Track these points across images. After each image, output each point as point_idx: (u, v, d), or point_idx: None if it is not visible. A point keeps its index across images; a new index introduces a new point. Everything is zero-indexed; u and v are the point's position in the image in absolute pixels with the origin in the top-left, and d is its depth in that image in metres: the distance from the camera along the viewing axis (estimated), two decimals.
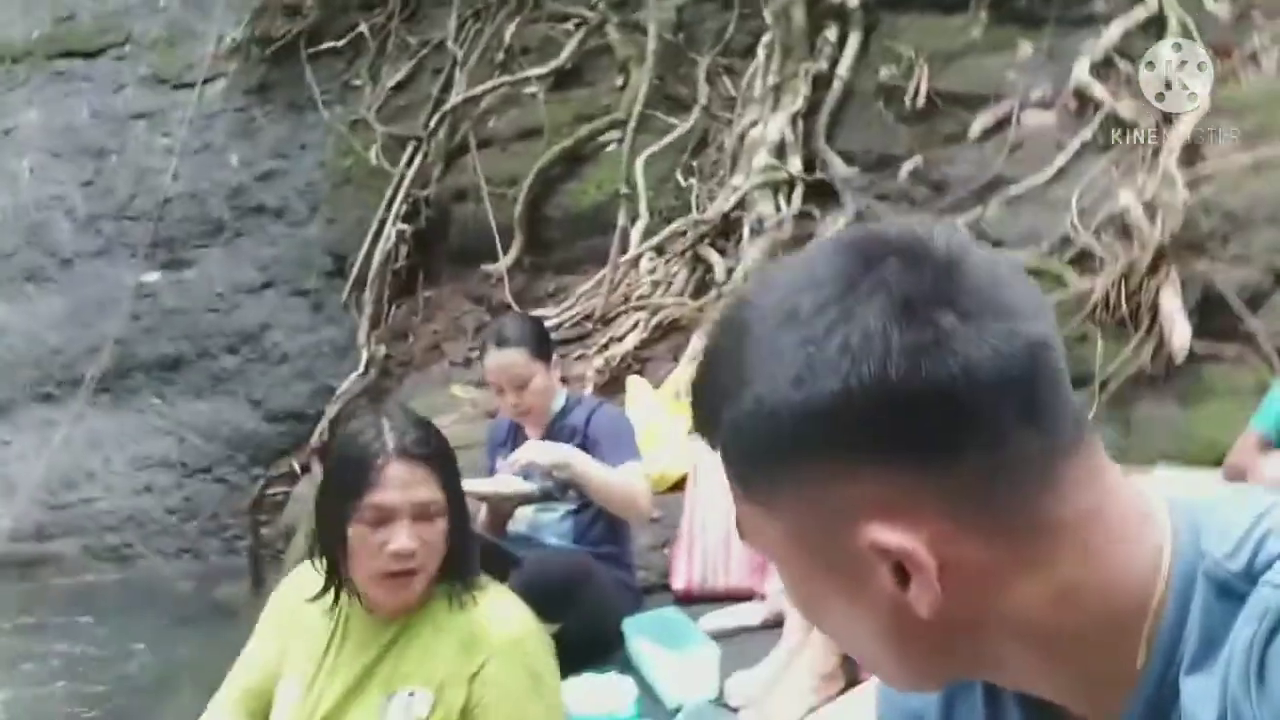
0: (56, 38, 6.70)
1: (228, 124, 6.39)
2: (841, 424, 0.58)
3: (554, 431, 2.89)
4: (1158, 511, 0.62)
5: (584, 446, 2.85)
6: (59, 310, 6.14)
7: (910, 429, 0.57)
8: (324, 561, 1.67)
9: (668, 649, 2.74)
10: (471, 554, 1.72)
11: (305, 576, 1.74)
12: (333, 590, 1.67)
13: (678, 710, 2.49)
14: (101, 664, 4.57)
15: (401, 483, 1.61)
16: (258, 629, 1.80)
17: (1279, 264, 3.45)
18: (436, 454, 1.67)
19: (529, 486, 2.89)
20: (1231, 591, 0.57)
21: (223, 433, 5.83)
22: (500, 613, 1.69)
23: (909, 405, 0.57)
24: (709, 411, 0.64)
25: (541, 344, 2.98)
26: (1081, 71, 4.14)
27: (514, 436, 3.05)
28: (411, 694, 1.62)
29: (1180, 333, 3.28)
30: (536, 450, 2.79)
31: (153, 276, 6.17)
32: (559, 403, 2.98)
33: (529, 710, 1.65)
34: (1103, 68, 4.16)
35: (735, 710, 2.54)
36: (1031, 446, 0.59)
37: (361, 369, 5.41)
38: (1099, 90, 4.08)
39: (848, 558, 0.60)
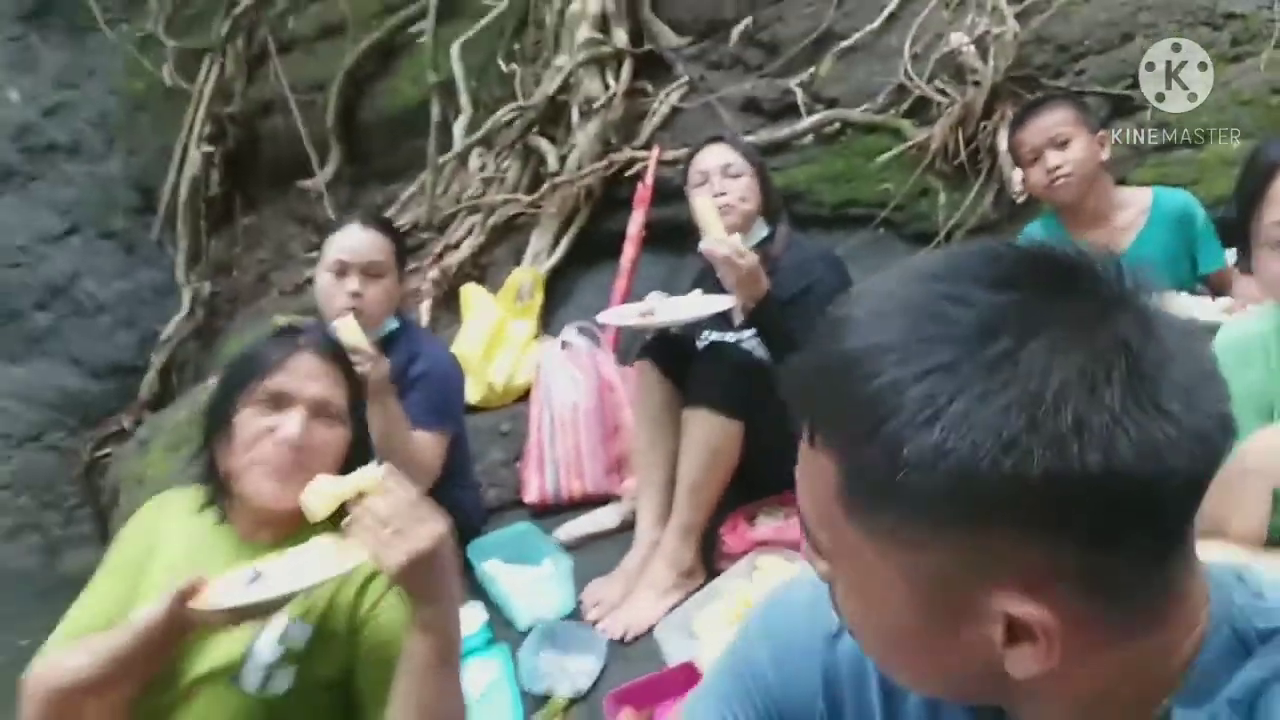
0: None
1: (3, 56, 5.73)
2: (1042, 498, 0.55)
3: None
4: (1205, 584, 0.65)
5: (399, 388, 2.51)
6: None
7: (1104, 515, 0.56)
8: (204, 462, 1.54)
9: (517, 566, 2.55)
10: None
11: (167, 500, 1.61)
12: (207, 501, 1.53)
13: (531, 630, 2.31)
14: None
15: (305, 372, 1.50)
16: (105, 568, 1.56)
17: (1114, 92, 3.35)
18: (349, 365, 1.61)
19: None
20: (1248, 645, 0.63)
21: (46, 396, 5.33)
22: None
23: (1116, 495, 0.55)
24: (860, 415, 0.58)
25: (401, 247, 2.65)
26: None
27: None
28: (292, 621, 1.44)
29: (1017, 173, 3.16)
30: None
31: None
32: (390, 325, 2.59)
33: None
34: None
35: (593, 623, 2.38)
36: (1187, 537, 0.61)
37: (186, 310, 4.97)
38: None
39: (965, 608, 0.60)
